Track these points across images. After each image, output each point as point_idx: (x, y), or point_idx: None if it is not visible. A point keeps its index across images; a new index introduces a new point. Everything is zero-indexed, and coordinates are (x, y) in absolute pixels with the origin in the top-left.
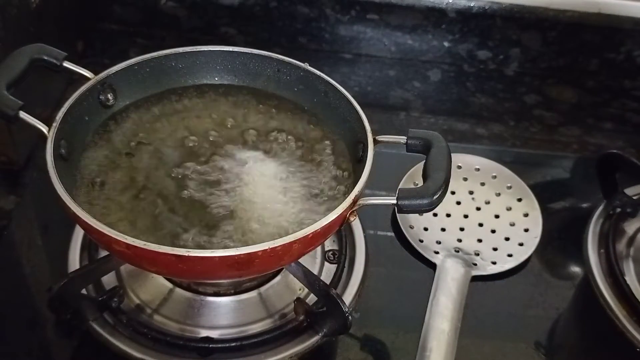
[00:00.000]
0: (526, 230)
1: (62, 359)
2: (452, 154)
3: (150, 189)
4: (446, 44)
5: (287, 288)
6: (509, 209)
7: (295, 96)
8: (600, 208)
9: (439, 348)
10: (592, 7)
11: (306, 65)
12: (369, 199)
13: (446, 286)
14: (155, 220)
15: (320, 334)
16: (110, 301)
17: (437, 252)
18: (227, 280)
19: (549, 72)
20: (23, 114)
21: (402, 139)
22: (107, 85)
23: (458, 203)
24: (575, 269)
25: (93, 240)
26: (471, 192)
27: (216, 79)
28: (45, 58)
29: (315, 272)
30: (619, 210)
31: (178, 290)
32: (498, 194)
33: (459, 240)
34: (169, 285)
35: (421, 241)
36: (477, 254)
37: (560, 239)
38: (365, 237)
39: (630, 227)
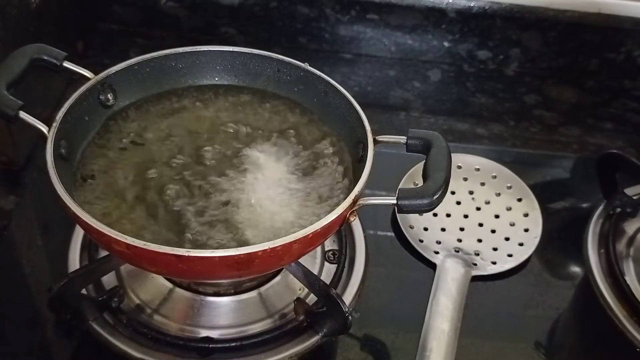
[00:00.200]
0: (526, 230)
1: (62, 359)
2: (452, 154)
3: (149, 189)
4: (446, 44)
5: (287, 288)
6: (509, 209)
7: (295, 96)
8: (600, 208)
9: (439, 348)
10: (592, 7)
11: (306, 65)
12: (369, 199)
13: (446, 286)
14: (155, 220)
15: (320, 334)
16: (110, 301)
17: (437, 252)
18: (227, 280)
19: (549, 72)
20: (23, 114)
21: (402, 139)
22: (107, 85)
23: (458, 203)
24: (575, 269)
25: (93, 240)
26: (471, 192)
27: (216, 79)
28: (45, 58)
29: (315, 272)
30: (619, 210)
31: (178, 290)
32: (498, 194)
33: (459, 240)
34: (169, 285)
35: (421, 241)
36: (477, 254)
37: (560, 239)
38: (365, 237)
39: (630, 227)
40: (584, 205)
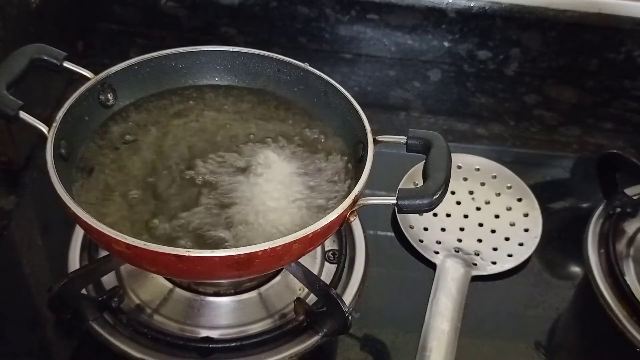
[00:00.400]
0: (526, 230)
1: (62, 359)
2: (452, 154)
3: (150, 189)
4: (446, 44)
5: (287, 288)
6: (509, 209)
7: (295, 96)
8: (600, 208)
9: (439, 348)
10: (592, 7)
11: (306, 65)
12: (369, 199)
13: (446, 286)
14: (155, 220)
15: (320, 334)
16: (110, 301)
17: (437, 252)
18: (227, 280)
19: (549, 72)
20: (23, 114)
21: (402, 139)
22: (107, 85)
23: (458, 203)
24: (575, 269)
25: (93, 240)
26: (471, 192)
27: (216, 79)
28: (45, 58)
29: (315, 272)
30: (619, 210)
31: (178, 290)
32: (498, 194)
33: (459, 240)
34: (169, 285)
35: (421, 241)
36: (477, 254)
37: (560, 239)
38: (365, 237)
39: (630, 227)
40: (584, 205)
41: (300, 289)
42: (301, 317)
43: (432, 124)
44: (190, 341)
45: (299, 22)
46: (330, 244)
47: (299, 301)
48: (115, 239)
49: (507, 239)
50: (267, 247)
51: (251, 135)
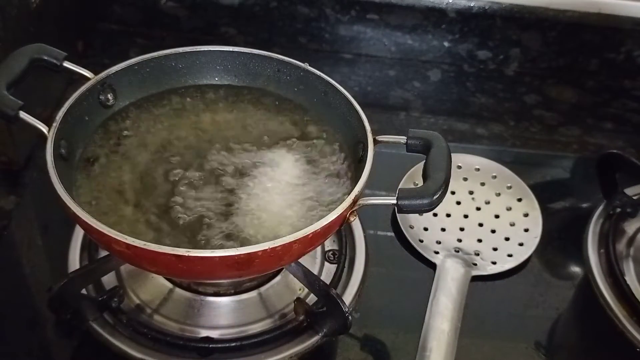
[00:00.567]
0: (526, 230)
1: (62, 359)
2: (452, 154)
3: (150, 189)
4: (446, 44)
5: (287, 288)
6: (509, 209)
7: (295, 96)
8: (600, 208)
9: (439, 348)
10: (592, 7)
11: (306, 65)
12: (369, 199)
13: (446, 286)
14: (155, 220)
15: (320, 334)
16: (110, 301)
17: (437, 252)
18: (227, 280)
19: (549, 72)
20: (23, 114)
21: (402, 139)
22: (107, 85)
23: (458, 203)
24: (575, 269)
25: (93, 240)
26: (471, 192)
27: (216, 79)
28: (45, 58)
29: (315, 272)
30: (619, 210)
31: (178, 290)
32: (498, 194)
33: (459, 240)
34: (169, 285)
35: (421, 241)
36: (477, 254)
37: (560, 239)
38: (365, 237)
39: (630, 227)
40: (584, 205)
41: (300, 289)
42: (301, 317)
43: (432, 124)
44: (190, 341)
45: (299, 22)
46: (330, 244)
47: (299, 301)
48: (115, 239)
49: (507, 239)
50: (267, 247)
51: (251, 136)
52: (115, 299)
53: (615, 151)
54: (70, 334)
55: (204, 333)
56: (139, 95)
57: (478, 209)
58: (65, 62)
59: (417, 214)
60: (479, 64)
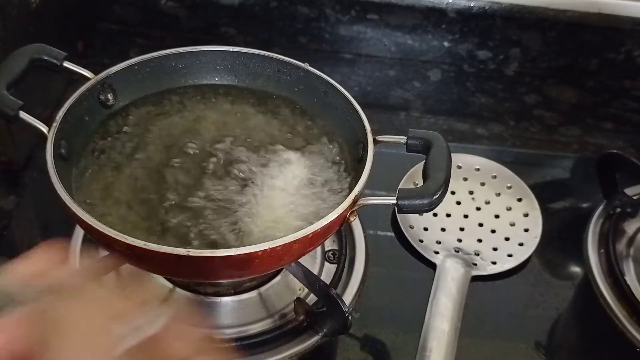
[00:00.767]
0: (526, 230)
1: None
2: (452, 154)
3: (150, 189)
4: (446, 44)
5: (287, 288)
6: (509, 209)
7: (295, 96)
8: (600, 208)
9: (439, 348)
10: (592, 7)
11: (306, 65)
12: (369, 199)
13: (446, 286)
14: (156, 220)
15: (320, 334)
16: None
17: (437, 252)
18: (227, 280)
19: (549, 72)
20: (23, 114)
21: (402, 139)
22: (107, 85)
23: (458, 203)
24: (575, 269)
25: (93, 240)
26: (471, 192)
27: (216, 79)
28: (45, 58)
29: (315, 272)
30: (619, 210)
31: (178, 290)
32: (498, 194)
33: (459, 240)
34: (169, 285)
35: (421, 241)
36: (477, 254)
37: (560, 239)
38: (365, 237)
39: (630, 227)
40: (584, 205)
41: (300, 289)
42: (301, 317)
43: (432, 124)
44: None
45: (299, 22)
46: (330, 244)
47: (299, 301)
48: (115, 239)
49: (507, 239)
50: (267, 247)
51: (251, 136)
52: None
53: (615, 151)
54: None
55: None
56: (139, 95)
57: (478, 209)
58: (65, 62)
59: (417, 214)
60: (479, 64)
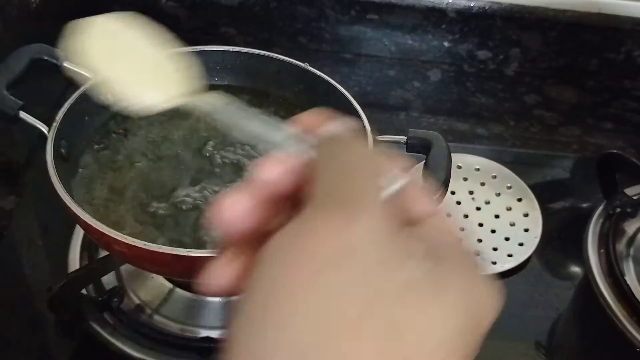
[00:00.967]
0: (526, 230)
1: (62, 359)
2: (452, 154)
3: (150, 189)
4: (446, 44)
5: None
6: (509, 209)
7: (295, 96)
8: (600, 208)
9: None
10: (592, 7)
11: (306, 65)
12: None
13: None
14: (156, 220)
15: None
16: (110, 301)
17: None
18: None
19: (549, 72)
20: (23, 114)
21: (402, 139)
22: None
23: (458, 203)
24: (575, 269)
25: (93, 240)
26: (471, 192)
27: (216, 79)
28: (45, 58)
29: None
30: (619, 210)
31: (178, 290)
32: (498, 194)
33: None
34: (169, 285)
35: None
36: (477, 254)
37: (560, 239)
38: None
39: (630, 227)
40: (584, 205)
41: None
42: None
43: (432, 124)
44: (190, 341)
45: (299, 22)
46: None
47: None
48: (115, 239)
49: (507, 239)
50: None
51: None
52: (115, 299)
53: (615, 151)
54: (70, 334)
55: (204, 333)
56: None
57: (478, 209)
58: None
59: None
60: (479, 64)
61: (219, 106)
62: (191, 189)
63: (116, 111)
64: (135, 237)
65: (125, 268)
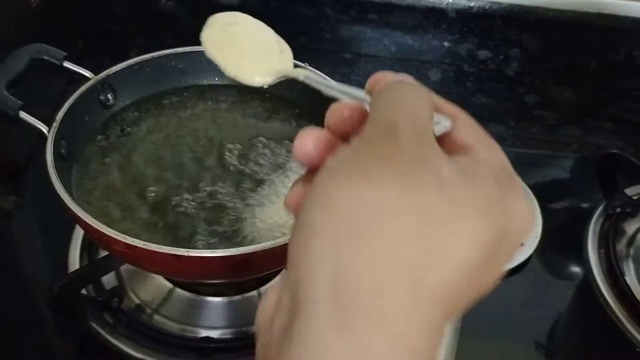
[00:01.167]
0: None
1: (62, 359)
2: None
3: (150, 188)
4: (446, 44)
5: None
6: None
7: (295, 96)
8: (600, 208)
9: (439, 348)
10: (592, 7)
11: (306, 65)
12: None
13: None
14: (156, 220)
15: None
16: (110, 301)
17: None
18: (227, 280)
19: (549, 72)
20: (23, 114)
21: None
22: (107, 85)
23: None
24: (575, 269)
25: (93, 240)
26: None
27: (216, 79)
28: (45, 58)
29: None
30: (619, 210)
31: (178, 290)
32: None
33: None
34: (169, 285)
35: None
36: None
37: (560, 239)
38: None
39: (630, 227)
40: (584, 205)
41: None
42: None
43: None
44: (190, 341)
45: (299, 22)
46: None
47: None
48: (115, 239)
49: None
50: (267, 247)
51: (251, 135)
52: (115, 299)
53: (615, 151)
54: (70, 334)
55: (204, 333)
56: (139, 95)
57: None
58: (65, 62)
59: None
60: (479, 64)
61: (309, 76)
62: (191, 190)
63: (116, 111)
64: (135, 237)
65: (125, 268)
